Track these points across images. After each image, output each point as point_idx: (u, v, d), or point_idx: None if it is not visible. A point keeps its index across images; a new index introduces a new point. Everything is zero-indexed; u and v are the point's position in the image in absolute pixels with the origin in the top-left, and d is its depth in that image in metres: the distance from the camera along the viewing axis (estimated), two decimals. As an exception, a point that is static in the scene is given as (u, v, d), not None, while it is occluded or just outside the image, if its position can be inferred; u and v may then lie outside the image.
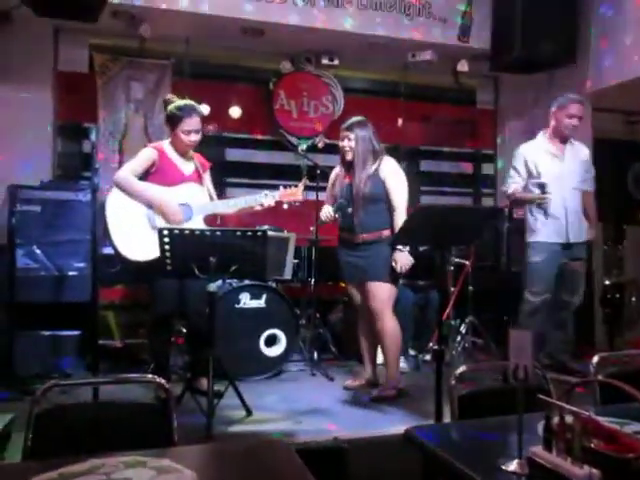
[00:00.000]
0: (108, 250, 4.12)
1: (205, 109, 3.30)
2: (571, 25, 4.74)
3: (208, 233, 2.86)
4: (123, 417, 1.55)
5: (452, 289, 4.30)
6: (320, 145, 5.43)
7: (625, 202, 4.09)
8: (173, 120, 3.26)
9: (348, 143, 3.42)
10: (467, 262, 4.40)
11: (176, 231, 2.82)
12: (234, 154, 5.29)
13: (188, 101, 3.32)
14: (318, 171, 4.22)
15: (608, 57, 4.59)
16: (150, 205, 3.18)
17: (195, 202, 3.24)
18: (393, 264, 3.27)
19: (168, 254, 2.81)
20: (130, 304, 4.61)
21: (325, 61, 5.27)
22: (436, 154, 5.83)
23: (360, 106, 5.39)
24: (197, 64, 5.10)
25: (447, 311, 4.10)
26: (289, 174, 5.18)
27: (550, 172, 3.82)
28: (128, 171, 3.19)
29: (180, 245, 2.80)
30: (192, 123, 3.24)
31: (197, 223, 3.21)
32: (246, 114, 5.26)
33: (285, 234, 3.97)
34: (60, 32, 4.70)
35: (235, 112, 5.24)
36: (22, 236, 3.74)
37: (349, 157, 3.42)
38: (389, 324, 3.34)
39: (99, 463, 1.16)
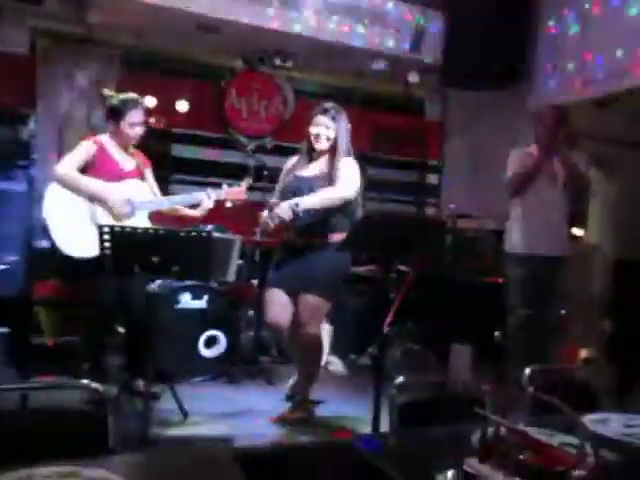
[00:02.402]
0: (44, 243, 4.00)
1: (149, 101, 3.23)
2: (519, 46, 4.91)
3: (151, 231, 2.80)
4: (55, 424, 1.48)
5: (392, 295, 4.37)
6: (269, 146, 5.42)
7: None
8: (116, 113, 3.18)
9: (326, 131, 3.06)
10: (409, 269, 4.48)
11: (117, 228, 2.74)
12: (181, 151, 5.20)
13: (131, 94, 3.25)
14: (265, 172, 4.21)
15: (552, 79, 4.79)
16: (92, 199, 3.08)
17: (138, 198, 3.17)
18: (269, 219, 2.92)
19: (108, 252, 2.72)
20: (63, 300, 4.44)
21: (278, 62, 5.26)
22: (383, 161, 5.91)
23: (311, 109, 5.40)
24: (147, 56, 4.99)
25: (389, 317, 4.16)
26: (237, 173, 5.14)
27: None
28: (68, 165, 3.08)
29: (121, 243, 2.71)
30: (137, 116, 3.19)
31: (141, 220, 3.13)
32: (195, 110, 5.17)
33: (231, 236, 3.92)
34: (1, 11, 4.48)
35: (184, 107, 5.14)
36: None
37: (323, 146, 3.08)
38: (315, 335, 3.09)
39: (31, 473, 1.11)
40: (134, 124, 3.18)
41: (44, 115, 4.65)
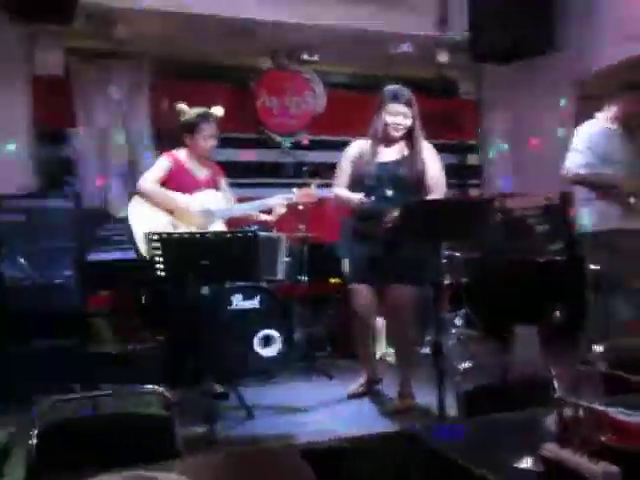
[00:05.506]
0: (94, 257, 4.11)
1: (219, 111, 3.38)
2: (551, 12, 4.74)
3: (198, 236, 2.83)
4: (127, 429, 1.51)
5: (446, 282, 4.31)
6: (304, 142, 5.40)
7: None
8: (191, 127, 3.36)
9: (404, 120, 3.03)
10: (459, 254, 4.41)
11: (165, 235, 2.79)
12: (216, 153, 5.22)
13: (203, 108, 3.45)
14: (304, 168, 4.23)
15: (589, 44, 4.61)
16: (172, 211, 3.27)
17: (214, 207, 3.34)
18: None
19: (159, 259, 2.77)
20: (119, 310, 4.54)
21: (305, 57, 5.23)
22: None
23: (342, 100, 5.38)
24: (175, 64, 5.03)
25: (443, 304, 4.10)
26: (274, 172, 5.15)
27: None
28: (150, 180, 3.27)
29: (170, 249, 2.76)
30: (210, 129, 3.37)
31: (218, 227, 3.32)
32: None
33: (276, 234, 3.94)
34: (35, 36, 4.59)
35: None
36: (6, 246, 3.67)
37: (400, 134, 3.06)
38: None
39: (105, 479, 1.13)
40: (208, 137, 3.36)
41: (84, 132, 4.75)
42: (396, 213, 2.74)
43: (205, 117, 3.39)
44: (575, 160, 3.41)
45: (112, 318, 4.24)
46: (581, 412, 1.14)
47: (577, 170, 3.41)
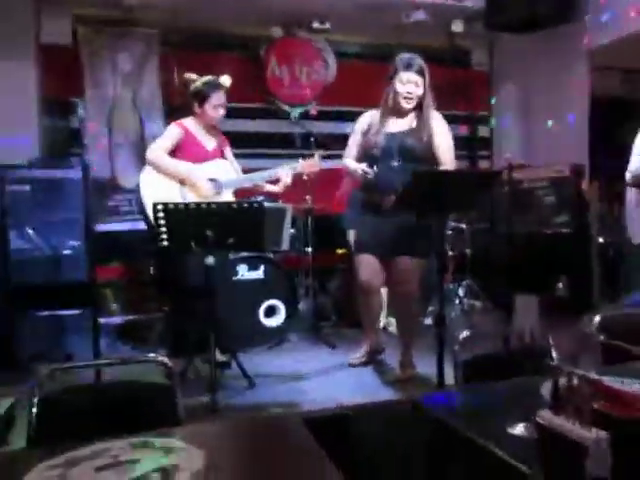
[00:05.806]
0: (102, 228, 4.14)
1: (227, 81, 3.35)
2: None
3: (204, 206, 2.82)
4: (127, 397, 1.53)
5: (450, 253, 4.31)
6: (313, 112, 5.34)
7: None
8: (200, 96, 3.34)
9: (416, 89, 2.96)
10: (464, 226, 4.39)
11: (171, 205, 2.79)
12: (225, 124, 5.19)
13: (211, 77, 3.41)
14: (312, 139, 4.19)
15: (605, 13, 4.48)
16: (182, 181, 3.27)
17: (223, 177, 3.35)
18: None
19: (164, 229, 2.78)
20: (128, 281, 4.59)
21: (316, 25, 5.14)
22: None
23: (353, 70, 5.30)
24: (185, 33, 4.97)
25: (447, 275, 4.10)
26: (283, 143, 5.11)
27: None
28: (159, 149, 3.26)
29: (176, 219, 2.76)
30: (219, 98, 3.35)
31: (226, 197, 3.33)
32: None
33: (282, 205, 3.93)
34: (42, 2, 4.55)
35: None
36: (13, 217, 3.68)
37: (413, 105, 3.01)
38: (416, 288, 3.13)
39: (106, 446, 1.15)
40: (217, 106, 3.34)
41: (92, 101, 4.73)
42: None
43: (214, 86, 3.36)
44: (635, 163, 3.35)
45: (120, 289, 4.29)
46: (575, 380, 1.14)
47: (637, 172, 3.32)
